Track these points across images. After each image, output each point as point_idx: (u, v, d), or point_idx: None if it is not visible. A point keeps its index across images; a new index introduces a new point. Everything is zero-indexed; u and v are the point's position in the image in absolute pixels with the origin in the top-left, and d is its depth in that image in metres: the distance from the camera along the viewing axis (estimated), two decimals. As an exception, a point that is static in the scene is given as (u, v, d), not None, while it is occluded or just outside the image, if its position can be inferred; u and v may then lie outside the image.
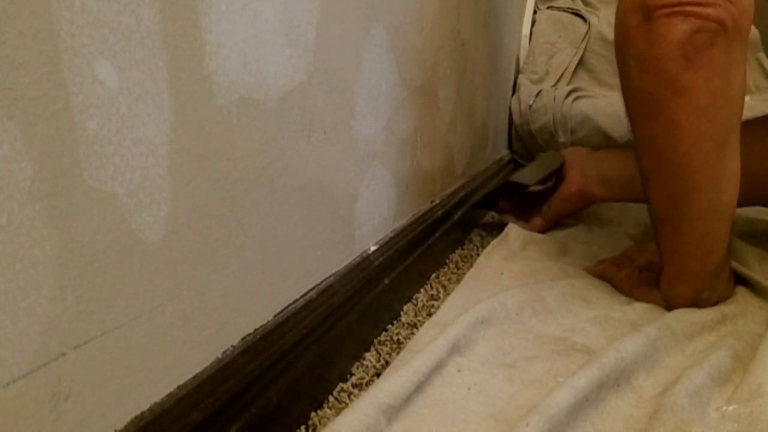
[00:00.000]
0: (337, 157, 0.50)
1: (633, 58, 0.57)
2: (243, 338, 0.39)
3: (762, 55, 1.33)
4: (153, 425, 0.30)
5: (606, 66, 1.41)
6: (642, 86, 0.57)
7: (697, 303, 0.62)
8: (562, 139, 1.28)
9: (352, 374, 0.52)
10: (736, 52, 0.54)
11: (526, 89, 1.34)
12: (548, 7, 1.55)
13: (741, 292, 0.67)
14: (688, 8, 0.52)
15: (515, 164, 1.31)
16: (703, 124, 0.55)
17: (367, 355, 0.55)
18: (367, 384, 0.50)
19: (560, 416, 0.42)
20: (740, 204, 0.62)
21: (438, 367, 0.49)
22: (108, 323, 0.27)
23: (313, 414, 0.46)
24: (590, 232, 0.91)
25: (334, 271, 0.51)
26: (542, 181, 0.86)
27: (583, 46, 1.44)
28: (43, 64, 0.23)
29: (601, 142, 1.24)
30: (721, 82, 0.54)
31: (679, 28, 0.52)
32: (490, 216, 1.02)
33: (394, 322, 0.62)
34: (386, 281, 0.59)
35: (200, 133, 0.33)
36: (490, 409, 0.46)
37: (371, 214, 0.58)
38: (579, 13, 1.50)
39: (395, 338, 0.58)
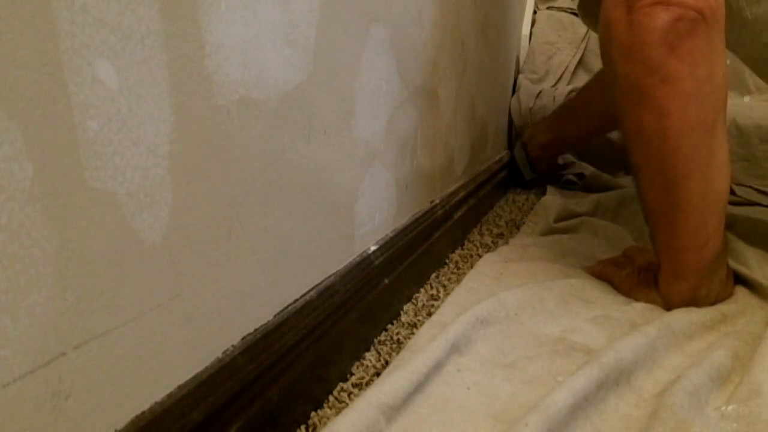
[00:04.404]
0: (337, 157, 0.50)
1: (617, 51, 0.57)
2: (243, 338, 0.39)
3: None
4: (153, 425, 0.30)
5: (606, 66, 1.40)
6: (628, 77, 0.58)
7: (695, 300, 0.62)
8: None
9: (352, 374, 0.52)
10: (716, 41, 0.56)
11: (526, 89, 1.34)
12: (548, 7, 1.55)
13: (741, 292, 0.67)
14: None
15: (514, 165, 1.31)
16: (690, 110, 0.56)
17: (367, 354, 0.55)
18: (367, 384, 0.50)
19: (560, 416, 0.42)
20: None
21: (437, 367, 0.49)
22: (108, 323, 0.28)
23: (313, 413, 0.46)
24: (591, 233, 0.91)
25: (334, 271, 0.51)
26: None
27: (582, 46, 1.44)
28: (44, 64, 0.23)
29: (601, 141, 1.24)
30: (706, 69, 0.56)
31: (661, 17, 0.54)
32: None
33: (394, 322, 0.62)
34: (386, 281, 0.59)
35: (200, 133, 0.33)
36: (489, 408, 0.46)
37: (371, 214, 0.58)
38: (578, 13, 1.50)
39: (395, 338, 0.58)
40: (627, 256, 0.74)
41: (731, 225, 0.82)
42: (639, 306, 0.63)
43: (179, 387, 0.33)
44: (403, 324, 0.62)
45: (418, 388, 0.46)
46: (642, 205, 0.64)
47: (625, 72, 0.57)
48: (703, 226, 0.60)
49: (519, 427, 0.40)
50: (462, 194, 0.90)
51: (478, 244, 0.90)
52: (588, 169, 1.27)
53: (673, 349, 0.55)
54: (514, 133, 1.35)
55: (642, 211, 0.64)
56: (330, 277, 0.50)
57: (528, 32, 1.50)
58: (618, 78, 0.59)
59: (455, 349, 0.53)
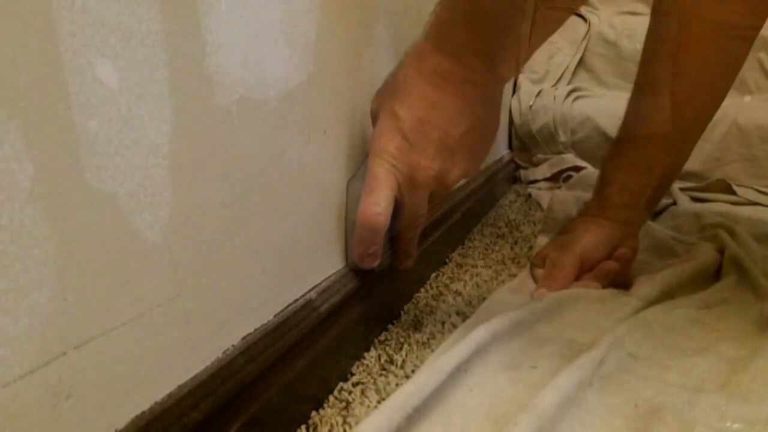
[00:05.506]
0: (338, 157, 0.50)
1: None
2: (243, 338, 0.39)
3: (762, 55, 1.33)
4: (153, 425, 0.30)
5: (606, 66, 1.41)
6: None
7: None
8: (562, 139, 1.28)
9: (352, 374, 0.52)
10: None
11: (526, 89, 1.34)
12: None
13: (741, 292, 0.67)
14: None
15: (515, 164, 1.31)
16: None
17: (367, 354, 0.55)
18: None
19: (554, 416, 0.42)
20: None
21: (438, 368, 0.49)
22: (108, 323, 0.28)
23: (313, 413, 0.46)
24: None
25: (334, 271, 0.51)
26: None
27: (583, 46, 1.43)
28: (44, 64, 0.23)
29: (601, 142, 1.24)
30: None
31: None
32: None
33: (394, 321, 0.62)
34: (386, 281, 0.59)
35: (201, 133, 0.33)
36: (490, 409, 0.46)
37: (371, 214, 0.58)
38: (579, 12, 1.50)
39: (395, 338, 0.58)
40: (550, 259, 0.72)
41: (732, 225, 0.82)
42: (639, 305, 0.63)
43: (179, 387, 0.33)
44: (404, 324, 0.61)
45: (419, 388, 0.46)
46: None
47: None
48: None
49: (509, 427, 0.40)
50: (462, 194, 0.90)
51: (478, 244, 0.90)
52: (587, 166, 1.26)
53: (672, 348, 0.55)
54: (514, 133, 1.35)
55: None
56: (330, 276, 0.50)
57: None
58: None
59: (457, 349, 0.52)
